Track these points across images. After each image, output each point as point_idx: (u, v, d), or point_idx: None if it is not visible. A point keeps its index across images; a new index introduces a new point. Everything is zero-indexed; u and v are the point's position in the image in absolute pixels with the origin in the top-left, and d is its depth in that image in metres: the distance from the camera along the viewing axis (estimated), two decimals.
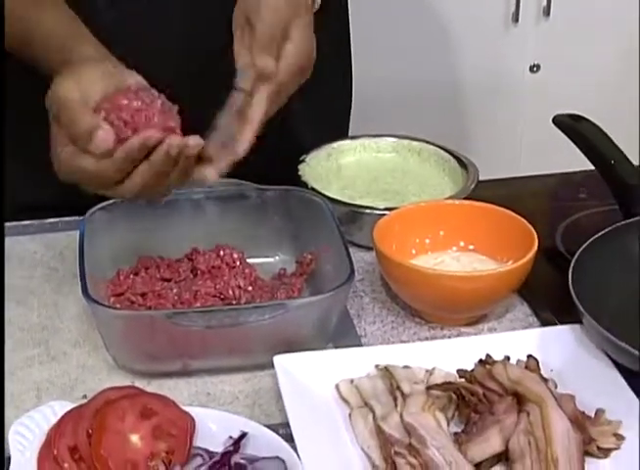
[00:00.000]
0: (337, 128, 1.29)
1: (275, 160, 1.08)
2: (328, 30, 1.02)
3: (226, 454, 0.78)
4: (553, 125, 1.12)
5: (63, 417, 0.80)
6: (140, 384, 0.88)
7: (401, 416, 0.81)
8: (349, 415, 0.84)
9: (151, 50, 1.06)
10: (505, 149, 2.24)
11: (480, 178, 1.13)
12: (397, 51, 2.10)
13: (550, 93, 2.15)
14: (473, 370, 0.85)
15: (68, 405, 0.81)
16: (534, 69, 2.18)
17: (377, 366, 0.88)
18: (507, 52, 2.16)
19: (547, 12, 2.10)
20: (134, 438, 0.79)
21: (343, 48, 1.28)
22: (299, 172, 1.11)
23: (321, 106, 1.21)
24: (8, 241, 1.07)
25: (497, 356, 0.87)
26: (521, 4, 2.09)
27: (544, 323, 0.97)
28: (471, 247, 1.02)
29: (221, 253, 1.00)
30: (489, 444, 0.79)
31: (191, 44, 1.11)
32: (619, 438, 0.81)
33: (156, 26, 1.10)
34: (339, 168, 1.15)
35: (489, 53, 2.15)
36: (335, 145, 1.17)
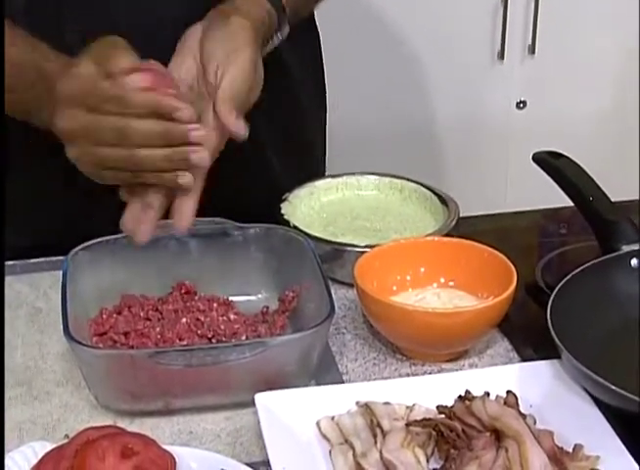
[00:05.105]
0: (314, 164, 1.30)
1: (257, 198, 1.09)
2: (304, 62, 1.02)
3: None
4: None
5: (43, 457, 0.80)
6: (122, 423, 0.88)
7: (381, 453, 0.82)
8: (330, 452, 0.85)
9: None
10: (491, 185, 2.26)
11: (466, 214, 1.14)
12: (383, 88, 2.12)
13: (536, 129, 2.17)
14: (452, 406, 0.86)
15: (49, 446, 0.81)
16: (521, 105, 2.20)
17: (357, 403, 0.89)
18: (493, 89, 2.18)
19: (532, 50, 2.13)
20: None
21: (318, 83, 1.29)
22: (282, 211, 1.12)
23: (298, 142, 1.22)
24: None
25: (477, 392, 0.87)
26: (506, 42, 2.12)
27: (525, 359, 0.97)
28: (451, 283, 1.03)
29: (204, 291, 1.01)
30: None
31: None
32: None
33: None
34: (321, 206, 1.16)
35: (476, 90, 2.17)
36: (317, 183, 1.18)
